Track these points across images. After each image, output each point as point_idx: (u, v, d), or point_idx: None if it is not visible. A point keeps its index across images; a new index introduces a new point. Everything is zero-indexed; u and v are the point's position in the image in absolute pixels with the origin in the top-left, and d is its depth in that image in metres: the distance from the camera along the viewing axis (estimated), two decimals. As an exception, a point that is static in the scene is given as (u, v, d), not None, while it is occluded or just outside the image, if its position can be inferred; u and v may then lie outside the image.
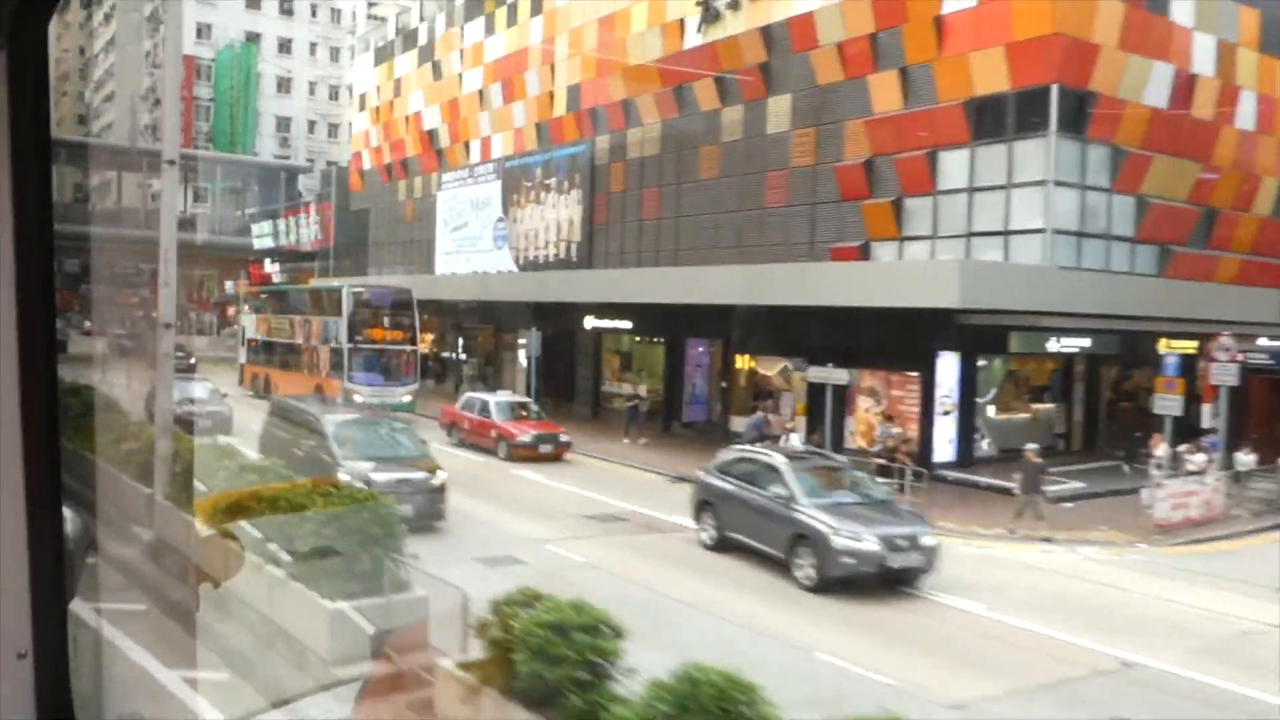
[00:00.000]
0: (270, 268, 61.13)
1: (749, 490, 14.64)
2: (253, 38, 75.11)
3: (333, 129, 79.16)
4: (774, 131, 27.08)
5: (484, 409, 24.22)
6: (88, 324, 56.08)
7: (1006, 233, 21.91)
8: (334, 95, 79.47)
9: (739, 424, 28.07)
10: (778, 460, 14.95)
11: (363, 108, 51.32)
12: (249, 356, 34.91)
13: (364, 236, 55.20)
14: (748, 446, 16.96)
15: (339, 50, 79.71)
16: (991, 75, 21.74)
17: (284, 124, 77.04)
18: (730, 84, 28.42)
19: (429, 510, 15.13)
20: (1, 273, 1.66)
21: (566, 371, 33.89)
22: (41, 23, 1.68)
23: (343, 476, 14.08)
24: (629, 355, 33.72)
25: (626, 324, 31.23)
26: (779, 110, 26.92)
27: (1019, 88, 21.43)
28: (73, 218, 52.97)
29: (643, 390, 32.00)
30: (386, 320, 29.02)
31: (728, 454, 16.11)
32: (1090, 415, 26.74)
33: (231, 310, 70.94)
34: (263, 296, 37.33)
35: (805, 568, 13.50)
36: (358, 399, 25.89)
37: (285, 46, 77.76)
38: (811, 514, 13.54)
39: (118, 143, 65.03)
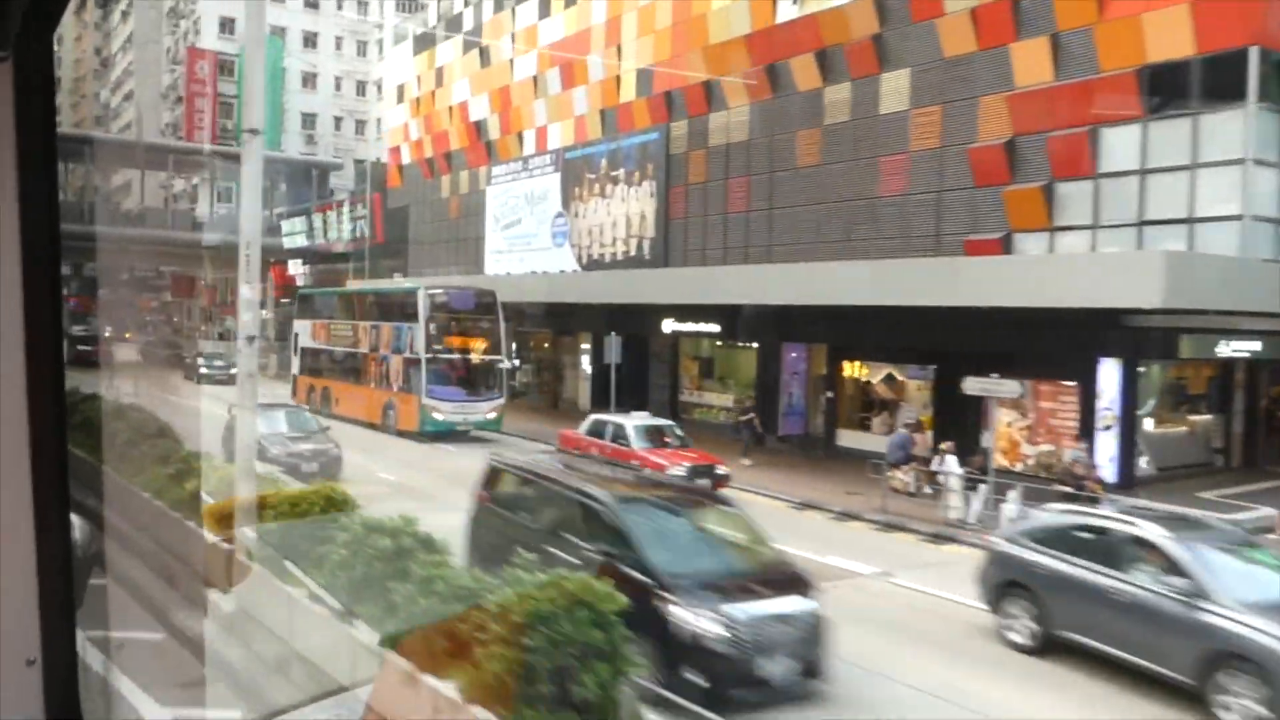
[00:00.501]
0: (297, 269, 58.49)
1: (1103, 574, 10.12)
2: (277, 32, 72.46)
3: (359, 125, 76.58)
4: (889, 111, 24.16)
5: (618, 435, 20.27)
6: (127, 333, 53.49)
7: (1191, 220, 18.92)
8: (360, 90, 76.89)
9: (848, 438, 25.18)
10: (1155, 535, 10.02)
11: (401, 99, 48.58)
12: (303, 367, 31.94)
13: (402, 235, 52.49)
14: (1072, 507, 13.16)
15: (365, 44, 77.16)
16: (1170, 38, 18.76)
17: (309, 120, 74.50)
18: (835, 60, 25.51)
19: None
20: (8, 281, 1.65)
21: (636, 379, 31.01)
22: (47, 30, 1.67)
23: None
24: (709, 361, 30.84)
25: (714, 327, 28.36)
26: (895, 87, 23.99)
27: (1207, 52, 18.44)
28: (100, 219, 50.36)
29: (730, 400, 29.13)
30: (468, 325, 26.03)
31: (1047, 516, 12.07)
32: (1250, 428, 23.72)
33: (248, 316, 68.20)
34: (318, 299, 34.23)
35: (1243, 705, 8.81)
36: (438, 417, 23.06)
37: (310, 41, 75.24)
38: (1248, 623, 8.89)
39: (139, 139, 62.56)
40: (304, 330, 32.40)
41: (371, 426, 26.25)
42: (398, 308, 26.92)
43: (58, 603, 1.77)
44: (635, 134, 32.44)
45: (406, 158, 47.73)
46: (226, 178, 62.14)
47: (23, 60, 1.64)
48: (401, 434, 25.21)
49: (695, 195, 30.05)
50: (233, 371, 41.23)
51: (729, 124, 28.85)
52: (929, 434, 22.66)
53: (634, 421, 20.89)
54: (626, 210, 32.71)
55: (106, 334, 69.20)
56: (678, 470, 18.20)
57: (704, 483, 17.35)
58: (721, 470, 19.12)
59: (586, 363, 34.08)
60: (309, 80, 74.56)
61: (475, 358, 25.40)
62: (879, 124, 24.41)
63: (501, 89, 39.72)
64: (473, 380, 25.15)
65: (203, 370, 40.37)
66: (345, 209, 54.25)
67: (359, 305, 30.15)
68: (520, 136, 38.89)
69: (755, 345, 28.88)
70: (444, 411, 23.64)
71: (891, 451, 19.34)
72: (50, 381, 1.72)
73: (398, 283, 35.51)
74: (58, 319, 1.73)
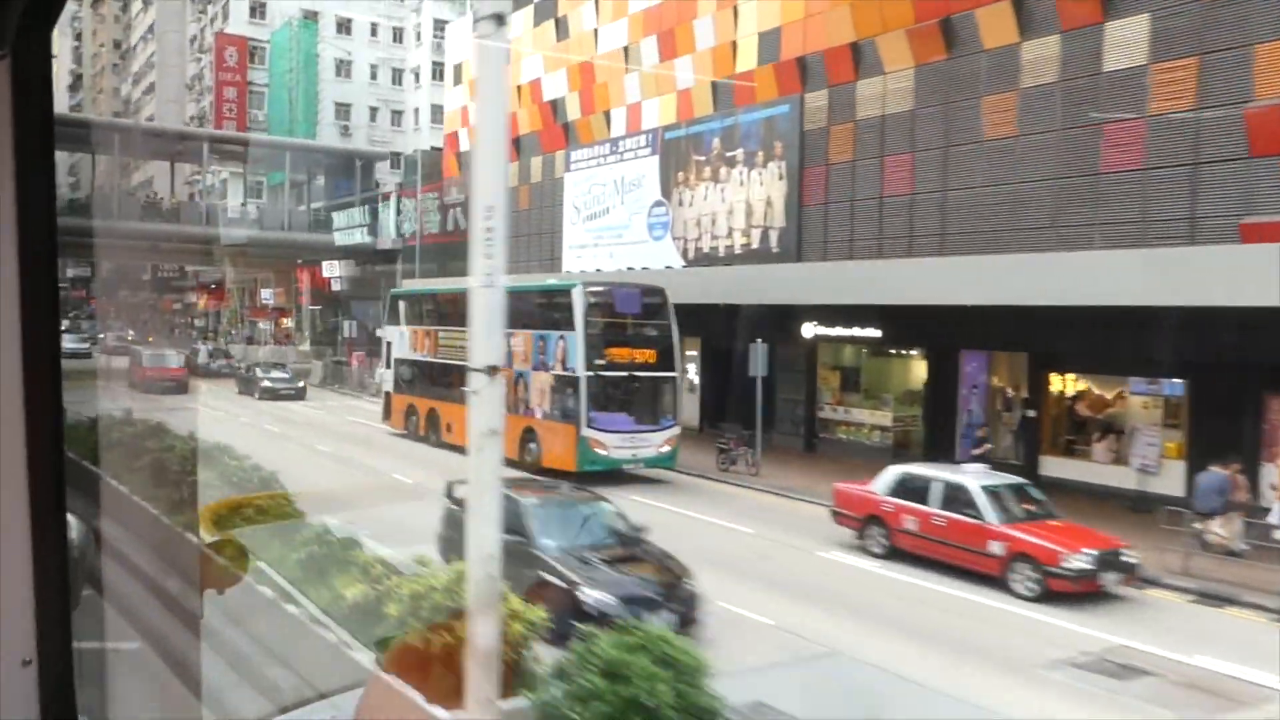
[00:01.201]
0: (333, 270, 54.22)
1: None
2: (310, 17, 68.30)
3: (396, 116, 72.33)
4: (1117, 68, 19.70)
5: (956, 499, 13.78)
6: (201, 349, 49.20)
7: None
8: (397, 79, 72.65)
9: (1057, 467, 20.71)
10: None
11: (459, 80, 44.26)
12: (399, 383, 26.87)
13: (458, 230, 48.17)
14: None
15: (402, 31, 72.90)
16: None
17: (343, 111, 70.24)
18: (1036, 9, 21.07)
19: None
20: (6, 282, 1.66)
21: (748, 391, 26.63)
22: (44, 29, 1.68)
23: None
24: (854, 372, 26.40)
25: (872, 331, 23.94)
26: (1127, 37, 19.52)
27: None
28: (125, 213, 46.32)
29: (886, 417, 24.70)
30: (635, 333, 20.84)
31: None
32: None
33: (288, 321, 64.21)
34: (419, 300, 28.66)
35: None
36: (601, 452, 18.42)
37: (344, 27, 71.00)
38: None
39: (166, 127, 58.42)
40: (399, 338, 27.34)
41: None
42: (542, 310, 21.96)
43: (53, 603, 1.76)
44: (757, 108, 28.02)
45: (465, 144, 43.39)
46: (257, 169, 57.97)
47: (21, 58, 1.65)
48: (544, 472, 19.36)
49: (839, 177, 25.61)
50: (300, 385, 37.06)
51: (885, 92, 24.40)
52: (1179, 464, 18.26)
53: (978, 480, 14.06)
54: (747, 196, 28.30)
55: (128, 338, 65.16)
56: (1078, 561, 12.49)
57: (1113, 577, 12.54)
58: (1131, 556, 13.12)
59: (694, 371, 29.67)
60: (343, 68, 70.33)
61: (645, 375, 20.07)
62: (1103, 84, 19.95)
63: (583, 64, 35.37)
64: (643, 403, 19.93)
65: (264, 384, 35.73)
66: (393, 202, 50.03)
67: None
68: (607, 116, 34.54)
69: (915, 353, 24.47)
70: (609, 445, 18.80)
71: (1203, 497, 14.79)
72: (47, 382, 1.72)
73: (540, 279, 30.42)
74: (55, 320, 1.75)
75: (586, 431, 18.80)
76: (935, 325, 22.04)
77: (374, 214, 52.62)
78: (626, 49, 33.20)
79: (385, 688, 6.05)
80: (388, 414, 26.78)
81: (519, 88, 39.40)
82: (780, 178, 27.27)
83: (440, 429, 23.40)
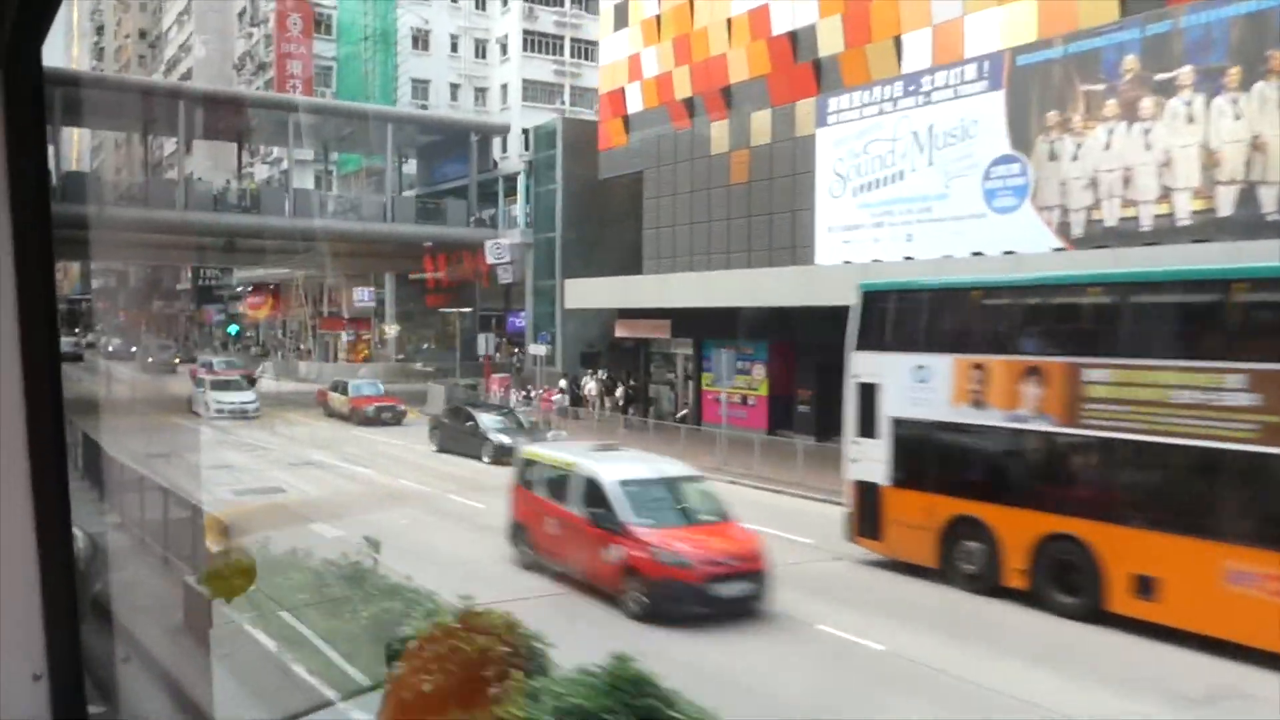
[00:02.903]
0: (498, 256, 44.34)
1: None
2: (384, -19, 58.74)
3: (480, 93, 62.67)
4: None
5: None
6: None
7: None
8: (480, 52, 63.03)
9: None
10: None
11: (625, 22, 34.51)
12: (912, 469, 14.03)
13: (610, 215, 38.50)
14: None
15: (485, -3, 63.35)
16: None
17: (420, 89, 60.63)
18: None
19: None
20: (4, 296, 1.66)
21: None
22: (35, 43, 1.69)
23: None
24: None
25: None
26: None
27: None
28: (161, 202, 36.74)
29: None
30: None
31: None
32: None
33: (389, 329, 54.53)
34: (946, 302, 15.26)
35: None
36: None
37: (419, -7, 61.44)
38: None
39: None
40: (901, 376, 14.24)
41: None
42: None
43: (62, 617, 1.77)
44: (1217, 4, 18.24)
45: (636, 104, 33.65)
46: (345, 149, 48.28)
47: (13, 74, 1.65)
48: None
49: None
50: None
51: None
52: None
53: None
54: (1202, 137, 18.46)
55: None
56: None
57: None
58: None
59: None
60: (420, 40, 60.75)
61: None
62: None
63: (844, -23, 25.64)
64: None
65: (500, 440, 24.59)
66: (522, 184, 40.32)
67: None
68: (896, 43, 24.78)
69: None
70: None
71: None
72: (48, 395, 1.72)
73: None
74: (54, 333, 1.74)
75: None
76: None
77: (489, 200, 42.95)
78: (932, -55, 23.47)
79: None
80: (867, 526, 14.57)
81: (728, 20, 29.69)
82: (1267, 108, 17.45)
83: (1108, 586, 11.46)
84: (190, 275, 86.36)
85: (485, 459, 23.31)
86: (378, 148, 47.08)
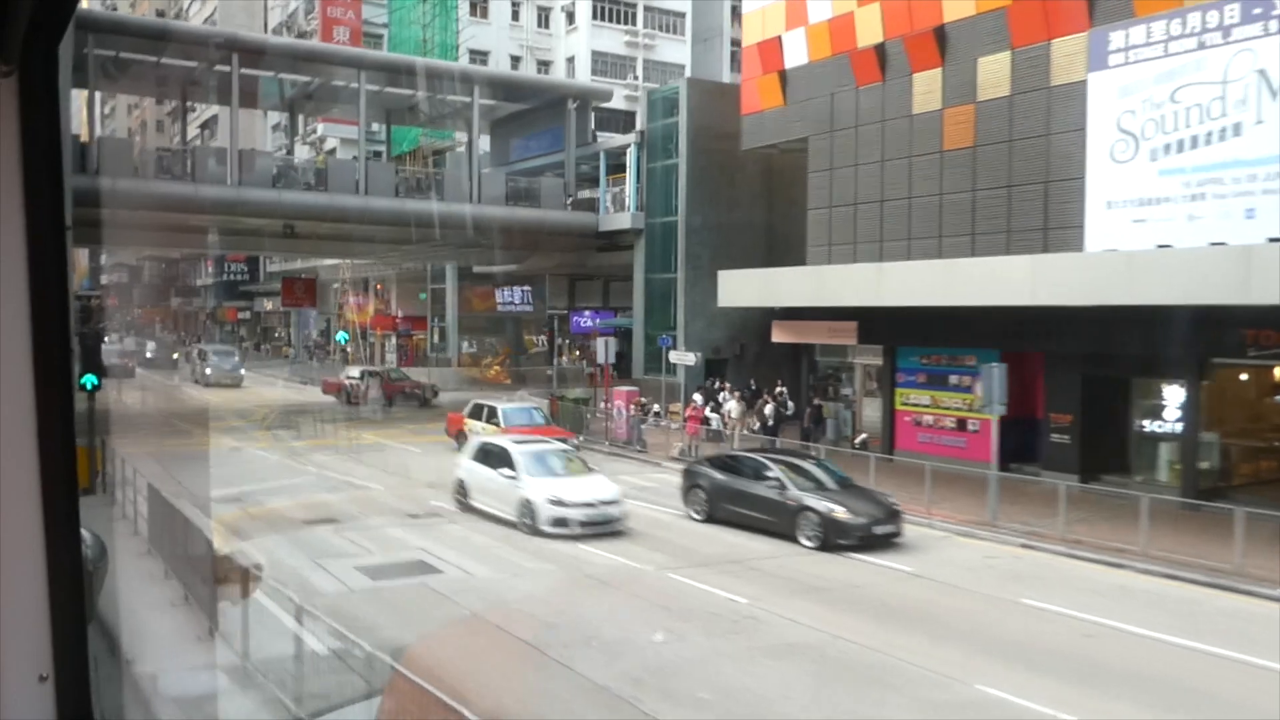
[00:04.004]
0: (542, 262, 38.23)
1: None
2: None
3: (543, 66, 56.43)
4: None
5: None
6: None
7: None
8: (544, 20, 56.82)
9: None
10: None
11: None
12: None
13: (745, 195, 32.54)
14: None
15: (548, -40, 57.06)
16: None
17: (478, 61, 54.31)
18: None
19: None
20: (14, 298, 1.67)
21: None
22: (51, 44, 1.67)
23: None
24: None
25: None
26: None
27: None
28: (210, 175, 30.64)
29: None
30: None
31: None
32: None
33: (434, 332, 48.03)
34: None
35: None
36: None
37: (474, -45, 55.25)
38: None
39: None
40: None
41: None
42: None
43: (69, 618, 1.77)
44: None
45: (799, 56, 27.37)
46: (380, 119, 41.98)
47: (27, 75, 1.65)
48: None
49: None
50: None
51: None
52: None
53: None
54: None
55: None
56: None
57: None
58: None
59: None
60: (478, 6, 54.57)
61: None
62: None
63: None
64: None
65: (830, 512, 16.40)
66: (632, 158, 34.15)
67: None
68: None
69: None
70: None
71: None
72: (58, 396, 1.73)
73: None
74: (65, 335, 1.74)
75: None
76: None
77: (586, 180, 36.75)
78: None
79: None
80: None
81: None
82: None
83: None
84: (212, 268, 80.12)
85: (806, 541, 16.11)
86: (450, 118, 40.88)
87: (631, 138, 34.50)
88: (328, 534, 16.67)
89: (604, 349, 29.37)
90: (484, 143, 43.37)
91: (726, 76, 62.21)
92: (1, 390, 1.69)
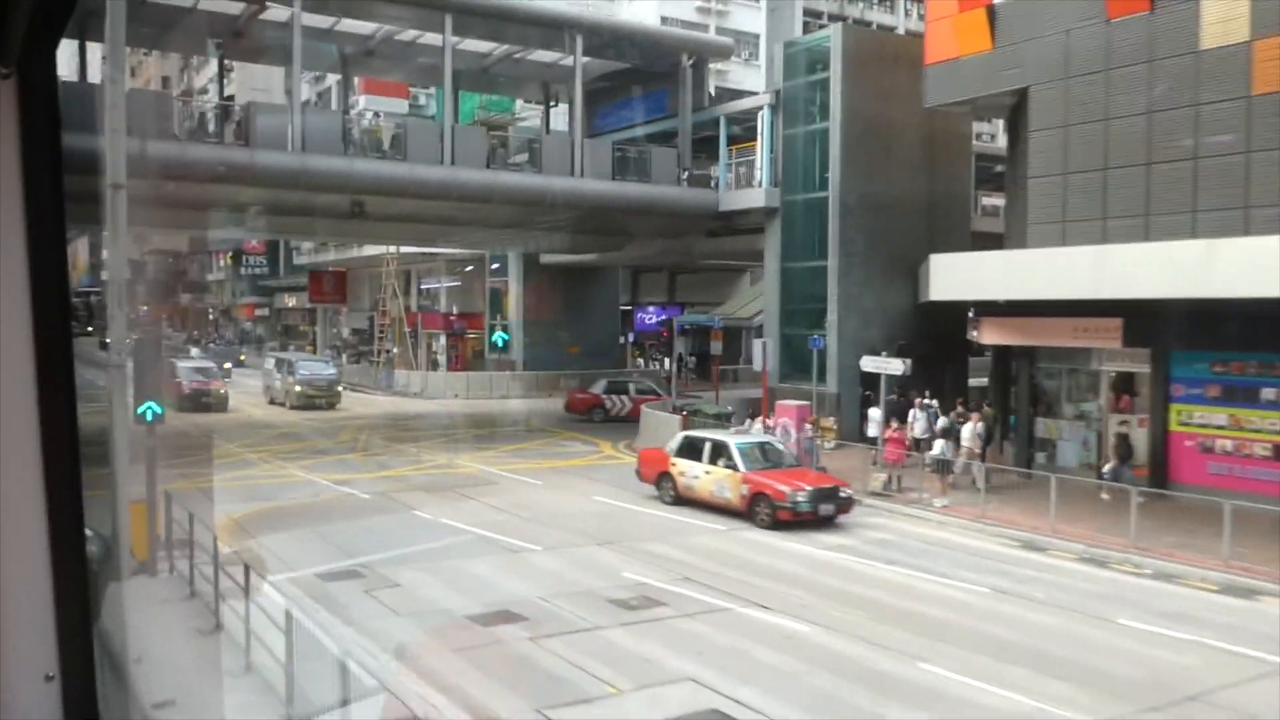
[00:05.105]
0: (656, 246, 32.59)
1: None
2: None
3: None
4: None
5: None
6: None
7: None
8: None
9: None
10: None
11: None
12: None
13: (912, 164, 27.12)
14: None
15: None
16: None
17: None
18: None
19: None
20: (16, 298, 1.68)
21: None
22: (49, 47, 1.69)
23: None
24: None
25: None
26: None
27: None
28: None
29: None
30: None
31: None
32: None
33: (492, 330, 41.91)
34: None
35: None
36: None
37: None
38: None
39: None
40: None
41: None
42: None
43: (75, 617, 1.77)
44: None
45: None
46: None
47: (27, 76, 1.65)
48: None
49: None
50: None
51: None
52: None
53: None
54: None
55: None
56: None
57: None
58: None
59: None
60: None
61: None
62: None
63: None
64: None
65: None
66: (765, 123, 28.58)
67: None
68: None
69: None
70: None
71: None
72: (60, 395, 1.72)
73: None
74: (67, 334, 1.74)
75: None
76: None
77: (705, 150, 31.10)
78: None
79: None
80: None
81: None
82: None
83: None
84: (222, 262, 74.14)
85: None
86: (528, 82, 35.17)
87: (762, 98, 28.85)
88: (523, 645, 11.03)
89: (761, 352, 23.73)
90: (558, 114, 37.73)
91: (799, 15, 56.77)
92: (3, 389, 1.68)
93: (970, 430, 20.39)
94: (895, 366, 20.43)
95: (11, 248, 1.66)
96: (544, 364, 41.10)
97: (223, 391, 33.17)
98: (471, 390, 40.16)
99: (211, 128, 24.45)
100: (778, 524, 16.70)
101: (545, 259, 40.98)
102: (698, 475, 18.07)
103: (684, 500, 18.51)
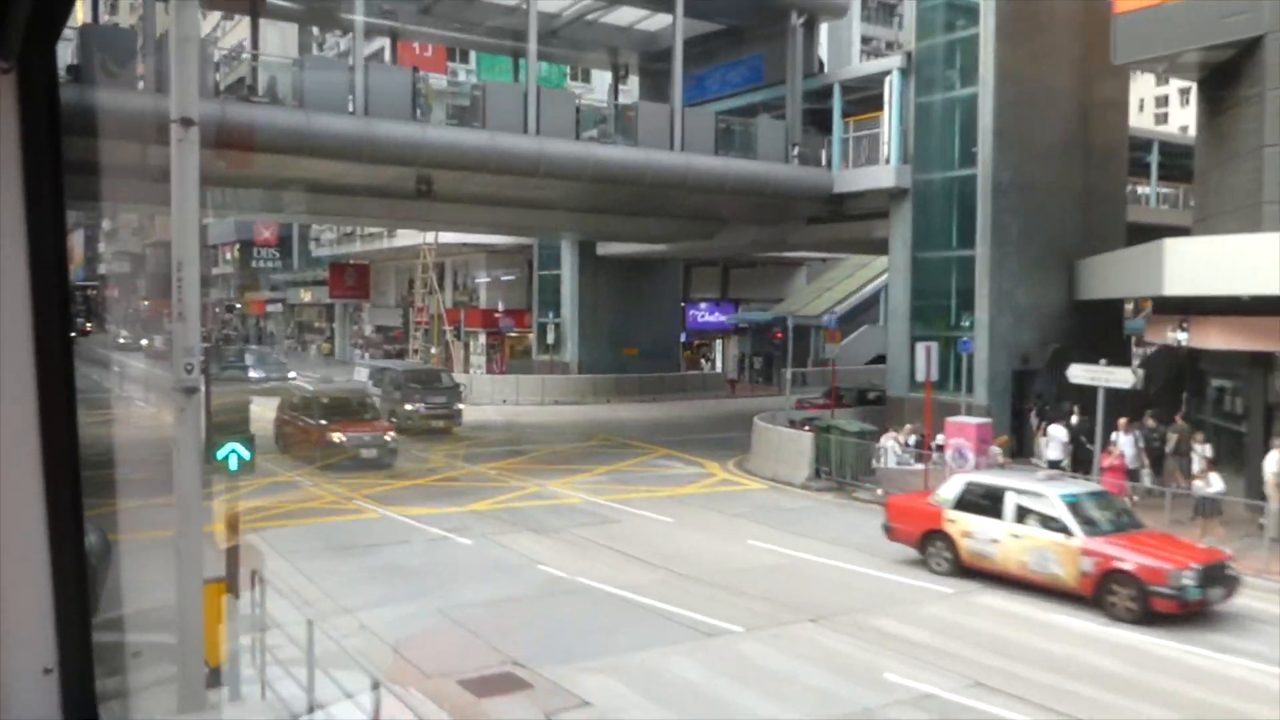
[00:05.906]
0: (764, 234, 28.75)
1: None
2: None
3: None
4: None
5: None
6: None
7: None
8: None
9: None
10: None
11: None
12: None
13: (1052, 146, 23.35)
14: None
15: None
16: None
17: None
18: None
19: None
20: (16, 293, 1.67)
21: None
22: (50, 42, 1.67)
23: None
24: None
25: None
26: None
27: None
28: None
29: None
30: None
31: None
32: None
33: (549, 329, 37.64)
34: None
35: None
36: None
37: None
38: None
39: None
40: None
41: None
42: None
43: (73, 610, 1.76)
44: None
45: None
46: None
47: (26, 71, 1.64)
48: None
49: None
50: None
51: None
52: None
53: None
54: None
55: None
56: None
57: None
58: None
59: None
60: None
61: None
62: None
63: None
64: None
65: None
66: (894, 88, 24.68)
67: None
68: None
69: None
70: None
71: None
72: (61, 392, 1.71)
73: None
74: (66, 331, 1.72)
75: None
76: None
77: (817, 122, 27.16)
78: None
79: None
80: None
81: None
82: None
83: None
84: (230, 255, 69.84)
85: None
86: (589, 50, 31.22)
87: (891, 60, 24.90)
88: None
89: (925, 358, 19.75)
90: (629, 87, 33.74)
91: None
92: (3, 386, 1.66)
93: (1205, 456, 16.43)
94: (1122, 378, 16.42)
95: (12, 242, 1.65)
96: (600, 366, 37.13)
97: None
98: (521, 395, 36.17)
99: (259, 88, 20.32)
100: (1149, 616, 11.80)
101: (601, 250, 36.99)
102: (997, 538, 13.17)
103: (969, 571, 13.66)
